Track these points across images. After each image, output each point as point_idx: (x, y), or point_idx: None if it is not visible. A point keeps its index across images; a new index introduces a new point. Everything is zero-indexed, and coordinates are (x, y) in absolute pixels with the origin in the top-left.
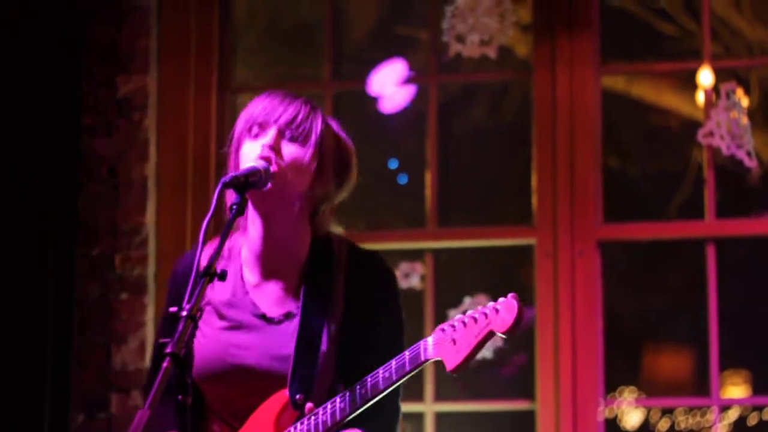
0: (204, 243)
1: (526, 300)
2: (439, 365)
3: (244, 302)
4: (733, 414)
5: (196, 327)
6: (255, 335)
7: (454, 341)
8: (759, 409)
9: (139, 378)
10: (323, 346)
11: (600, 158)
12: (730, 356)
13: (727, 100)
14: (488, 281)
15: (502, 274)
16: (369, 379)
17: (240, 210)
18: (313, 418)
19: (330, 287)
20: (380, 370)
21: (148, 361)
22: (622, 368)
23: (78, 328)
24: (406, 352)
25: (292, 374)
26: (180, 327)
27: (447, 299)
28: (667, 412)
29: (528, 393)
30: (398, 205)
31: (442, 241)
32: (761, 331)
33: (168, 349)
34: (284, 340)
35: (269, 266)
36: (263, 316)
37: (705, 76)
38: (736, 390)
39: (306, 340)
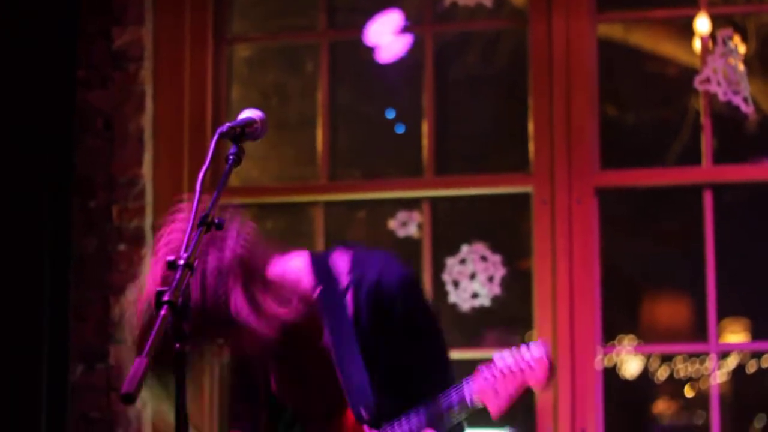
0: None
1: (525, 249)
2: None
3: None
4: (732, 362)
5: (192, 275)
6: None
7: (496, 391)
8: (758, 356)
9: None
10: (358, 366)
11: (597, 106)
12: (728, 303)
13: (723, 47)
14: (486, 229)
15: (500, 222)
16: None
17: (237, 160)
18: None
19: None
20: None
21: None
22: (620, 316)
23: (76, 279)
24: (454, 395)
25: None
26: (178, 275)
27: (444, 247)
28: (667, 359)
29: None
30: (396, 154)
31: (439, 190)
32: (759, 277)
33: (166, 297)
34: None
35: None
36: None
37: (702, 23)
38: (735, 337)
39: (344, 365)
